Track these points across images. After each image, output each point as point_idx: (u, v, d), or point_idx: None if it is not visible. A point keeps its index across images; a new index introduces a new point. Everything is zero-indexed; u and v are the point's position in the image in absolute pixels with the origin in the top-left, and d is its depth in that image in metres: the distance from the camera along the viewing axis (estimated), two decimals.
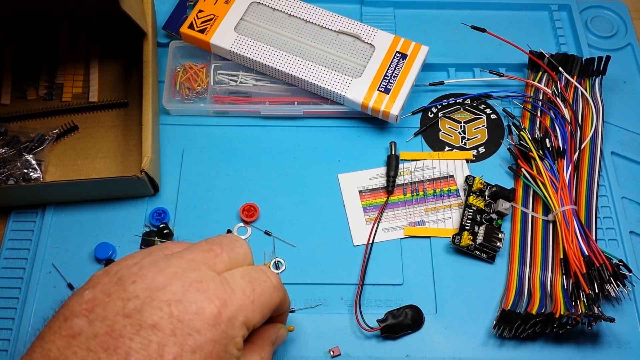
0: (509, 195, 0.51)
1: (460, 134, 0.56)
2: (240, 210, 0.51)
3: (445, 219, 0.51)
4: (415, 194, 0.53)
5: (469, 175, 0.52)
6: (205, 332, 0.30)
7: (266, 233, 0.50)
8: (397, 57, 0.55)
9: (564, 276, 0.47)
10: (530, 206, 0.51)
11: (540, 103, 0.55)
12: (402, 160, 0.54)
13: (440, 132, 0.56)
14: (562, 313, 0.44)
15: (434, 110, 0.57)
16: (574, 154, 0.52)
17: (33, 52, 0.59)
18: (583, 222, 0.49)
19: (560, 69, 0.56)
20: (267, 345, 0.37)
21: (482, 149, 0.55)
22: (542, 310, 0.45)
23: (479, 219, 0.50)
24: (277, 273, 0.49)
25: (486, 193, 0.51)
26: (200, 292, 0.31)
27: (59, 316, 0.30)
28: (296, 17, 0.57)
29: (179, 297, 0.30)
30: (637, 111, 0.58)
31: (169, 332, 0.29)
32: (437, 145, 0.55)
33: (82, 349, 0.28)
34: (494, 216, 0.50)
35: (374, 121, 0.56)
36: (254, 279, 0.34)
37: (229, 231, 0.50)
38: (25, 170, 0.51)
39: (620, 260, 0.47)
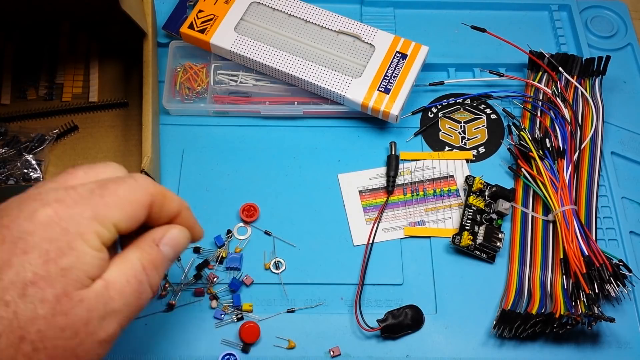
0: (509, 195, 0.51)
1: (460, 134, 0.56)
2: (240, 210, 0.51)
3: (445, 219, 0.51)
4: (415, 194, 0.53)
5: (469, 175, 0.52)
6: (38, 232, 0.28)
7: (266, 233, 0.50)
8: (397, 57, 0.55)
9: (564, 276, 0.47)
10: (530, 206, 0.51)
11: (540, 103, 0.55)
12: (402, 160, 0.54)
13: (440, 132, 0.56)
14: (562, 313, 0.44)
15: (434, 110, 0.57)
16: (574, 154, 0.52)
17: (33, 52, 0.59)
18: (583, 222, 0.49)
19: (560, 69, 0.56)
20: (145, 245, 0.33)
21: (482, 149, 0.55)
22: (542, 310, 0.45)
23: (479, 219, 0.50)
24: (277, 273, 0.49)
25: (486, 193, 0.51)
26: (35, 200, 0.30)
27: None
28: (296, 17, 0.57)
29: (13, 208, 0.30)
30: (637, 111, 0.58)
31: None
32: (437, 145, 0.55)
33: None
34: (494, 216, 0.50)
35: (374, 121, 0.56)
36: (109, 180, 0.32)
37: (229, 231, 0.50)
38: (25, 170, 0.51)
39: (620, 260, 0.47)
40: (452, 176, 0.53)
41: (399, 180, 0.53)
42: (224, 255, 0.49)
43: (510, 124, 0.55)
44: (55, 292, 0.28)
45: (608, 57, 0.56)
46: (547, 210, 0.51)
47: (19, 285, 0.27)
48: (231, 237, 0.50)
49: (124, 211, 0.31)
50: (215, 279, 0.48)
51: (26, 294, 0.27)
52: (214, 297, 0.47)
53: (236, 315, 0.46)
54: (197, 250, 0.49)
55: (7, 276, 0.27)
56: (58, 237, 0.29)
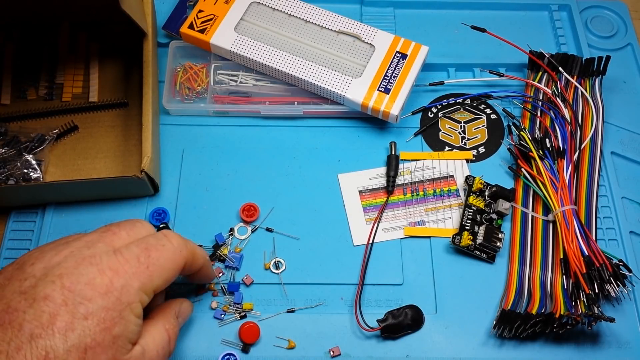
0: (509, 195, 0.51)
1: (460, 134, 0.56)
2: (240, 210, 0.51)
3: (445, 219, 0.51)
4: (415, 194, 0.53)
5: (469, 175, 0.52)
6: (97, 300, 0.31)
7: (268, 230, 0.50)
8: (397, 57, 0.55)
9: (564, 276, 0.47)
10: (530, 206, 0.51)
11: (540, 103, 0.55)
12: (402, 160, 0.54)
13: (440, 132, 0.56)
14: (562, 313, 0.44)
15: (434, 110, 0.57)
16: (574, 154, 0.52)
17: (33, 52, 0.59)
18: (583, 222, 0.49)
19: (560, 69, 0.56)
20: (170, 317, 0.38)
21: (482, 149, 0.55)
22: (542, 310, 0.45)
23: (479, 219, 0.50)
24: (277, 273, 0.49)
25: (486, 193, 0.51)
26: (92, 265, 0.33)
27: None
28: (296, 17, 0.57)
29: (70, 270, 0.32)
30: (637, 111, 0.58)
31: (61, 302, 0.31)
32: (437, 145, 0.55)
33: None
34: (494, 216, 0.50)
35: (374, 121, 0.56)
36: (150, 245, 0.35)
37: (230, 230, 0.50)
38: (25, 170, 0.51)
39: (620, 260, 0.47)
40: (452, 176, 0.53)
41: (399, 180, 0.53)
42: (224, 252, 0.49)
43: (510, 124, 0.55)
44: (107, 357, 0.31)
45: (608, 57, 0.56)
46: (547, 210, 0.51)
47: (81, 349, 0.30)
48: (232, 234, 0.50)
49: (164, 278, 0.35)
50: (220, 274, 0.48)
51: (84, 357, 0.30)
52: (223, 290, 0.47)
53: (239, 314, 0.46)
54: None
55: (70, 339, 0.30)
56: (112, 307, 0.32)
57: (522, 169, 0.52)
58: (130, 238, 0.36)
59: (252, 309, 0.47)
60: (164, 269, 0.35)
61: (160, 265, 0.35)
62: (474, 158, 0.55)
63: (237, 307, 0.47)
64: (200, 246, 0.47)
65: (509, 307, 0.46)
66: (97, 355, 0.31)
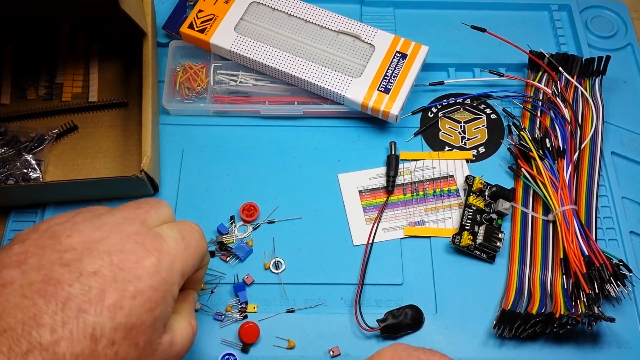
0: (509, 195, 0.51)
1: (460, 134, 0.56)
2: (240, 210, 0.51)
3: (445, 218, 0.51)
4: (415, 194, 0.53)
5: (469, 175, 0.52)
6: (146, 279, 0.31)
7: (270, 222, 0.50)
8: (397, 57, 0.55)
9: (564, 276, 0.47)
10: (530, 206, 0.51)
11: (540, 103, 0.55)
12: (402, 160, 0.54)
13: (440, 132, 0.56)
14: (562, 313, 0.44)
15: (434, 110, 0.57)
16: (574, 154, 0.52)
17: (33, 52, 0.59)
18: (583, 222, 0.49)
19: (560, 69, 0.56)
20: (192, 310, 0.39)
21: (482, 149, 0.55)
22: (542, 310, 0.45)
23: (479, 218, 0.50)
24: (277, 273, 0.49)
25: (486, 193, 0.51)
26: (138, 244, 0.32)
27: None
28: (296, 17, 0.57)
29: (119, 247, 0.31)
30: (637, 111, 0.58)
31: (110, 279, 0.30)
32: (437, 145, 0.55)
33: (15, 296, 0.28)
34: (494, 216, 0.50)
35: (374, 121, 0.56)
36: (181, 229, 0.36)
37: (232, 217, 0.51)
38: (25, 170, 0.51)
39: (620, 260, 0.47)
40: (452, 176, 0.53)
41: (399, 180, 0.53)
42: (228, 242, 0.49)
43: (510, 124, 0.55)
44: (145, 339, 0.31)
45: (608, 57, 0.56)
46: (547, 210, 0.50)
47: (127, 328, 0.29)
48: (233, 222, 0.50)
49: (195, 262, 0.36)
50: (227, 259, 0.49)
51: (128, 337, 0.29)
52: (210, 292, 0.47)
53: (240, 313, 0.46)
54: None
55: (119, 317, 0.29)
56: (159, 287, 0.31)
57: (522, 169, 0.52)
58: (159, 219, 0.36)
59: (256, 312, 0.47)
60: (196, 253, 0.36)
61: (193, 249, 0.35)
62: (474, 158, 0.55)
63: (242, 307, 0.47)
64: None
65: (509, 307, 0.46)
66: (138, 335, 0.30)
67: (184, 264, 0.34)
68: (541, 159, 0.51)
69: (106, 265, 0.30)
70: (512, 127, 0.54)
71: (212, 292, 0.47)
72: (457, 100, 0.58)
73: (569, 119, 0.53)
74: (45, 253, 0.30)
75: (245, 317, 0.46)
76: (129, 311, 0.30)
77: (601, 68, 0.56)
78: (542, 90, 0.56)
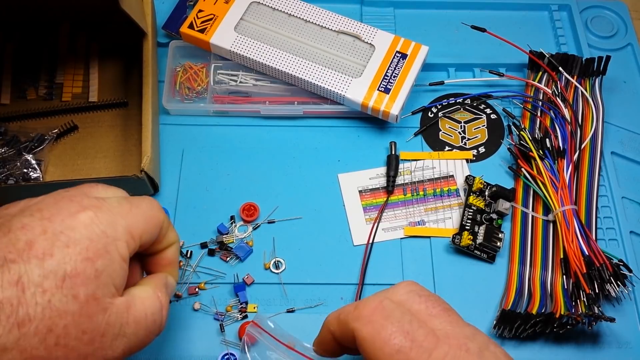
0: (509, 195, 0.51)
1: (460, 134, 0.56)
2: (240, 210, 0.51)
3: (445, 218, 0.51)
4: (415, 193, 0.53)
5: (469, 175, 0.52)
6: (81, 230, 0.29)
7: (270, 222, 0.50)
8: (397, 57, 0.55)
9: (564, 276, 0.47)
10: (530, 206, 0.51)
11: (540, 103, 0.55)
12: (402, 160, 0.54)
13: (440, 132, 0.56)
14: (562, 313, 0.44)
15: (434, 110, 0.57)
16: (574, 154, 0.52)
17: (33, 52, 0.59)
18: (583, 222, 0.49)
19: (560, 69, 0.56)
20: (161, 285, 0.36)
21: (482, 149, 0.55)
22: (542, 310, 0.45)
23: (479, 218, 0.50)
24: (277, 273, 0.49)
25: (486, 193, 0.51)
26: (72, 202, 0.31)
27: None
28: (296, 17, 0.57)
29: (50, 205, 0.30)
30: (637, 111, 0.58)
31: (39, 231, 0.29)
32: (437, 145, 0.55)
33: None
34: (494, 216, 0.50)
35: (374, 121, 0.56)
36: (127, 196, 0.35)
37: (232, 217, 0.51)
38: (25, 170, 0.51)
39: (621, 260, 0.47)
40: (452, 176, 0.53)
41: (399, 180, 0.53)
42: (228, 242, 0.49)
43: (510, 124, 0.55)
44: (87, 292, 0.29)
45: (608, 57, 0.56)
46: (547, 210, 0.50)
47: (59, 276, 0.28)
48: (233, 222, 0.50)
49: (148, 225, 0.34)
50: (227, 259, 0.49)
51: (63, 286, 0.28)
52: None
53: (240, 313, 0.46)
54: (204, 245, 0.49)
55: (48, 265, 0.28)
56: (97, 239, 0.30)
57: (522, 169, 0.52)
58: (107, 193, 0.35)
59: (256, 312, 0.47)
60: (147, 217, 0.34)
61: (142, 211, 0.34)
62: (474, 158, 0.55)
63: (242, 307, 0.47)
64: None
65: (509, 307, 0.46)
66: (76, 285, 0.28)
67: (131, 223, 0.32)
68: (541, 159, 0.51)
69: (36, 220, 0.29)
70: (512, 127, 0.54)
71: (186, 255, 0.48)
72: (457, 100, 0.58)
73: (569, 119, 0.53)
74: None
75: (245, 317, 0.46)
76: (60, 259, 0.28)
77: (601, 68, 0.56)
78: (542, 90, 0.56)
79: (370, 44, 0.55)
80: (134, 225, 0.32)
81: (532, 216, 0.50)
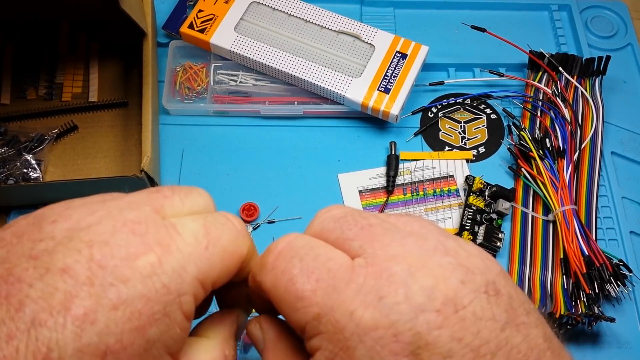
0: (509, 195, 0.51)
1: (460, 134, 0.56)
2: (240, 210, 0.51)
3: (445, 218, 0.51)
4: (415, 194, 0.53)
5: (469, 175, 0.52)
6: (136, 284, 0.22)
7: (270, 222, 0.50)
8: (397, 57, 0.55)
9: (564, 276, 0.47)
10: (530, 206, 0.51)
11: (540, 103, 0.55)
12: (402, 160, 0.54)
13: (440, 132, 0.56)
14: (562, 313, 0.44)
15: (434, 110, 0.57)
16: (574, 154, 0.52)
17: (33, 52, 0.59)
18: (583, 222, 0.49)
19: (560, 69, 0.56)
20: (230, 337, 0.28)
21: (482, 149, 0.55)
22: (542, 310, 0.45)
23: (479, 218, 0.50)
24: None
25: (486, 193, 0.51)
26: (135, 235, 0.23)
27: None
28: (296, 17, 0.57)
29: (105, 238, 0.23)
30: (637, 111, 0.58)
31: (84, 280, 0.21)
32: (437, 145, 0.55)
33: None
34: (494, 216, 0.50)
35: (374, 121, 0.56)
36: (209, 221, 0.26)
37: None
38: (25, 170, 0.51)
39: (621, 260, 0.47)
40: (452, 176, 0.53)
41: (399, 180, 0.53)
42: None
43: (510, 124, 0.55)
44: None
45: (608, 57, 0.56)
46: (547, 210, 0.50)
47: (98, 352, 0.21)
48: None
49: (225, 266, 0.25)
50: None
51: None
52: None
53: None
54: None
55: (87, 335, 0.21)
56: (155, 297, 0.22)
57: (522, 169, 0.52)
58: (184, 208, 0.26)
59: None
60: (226, 254, 0.25)
61: (222, 248, 0.25)
62: (474, 158, 0.55)
63: None
64: None
65: None
66: None
67: (204, 267, 0.24)
68: (541, 159, 0.51)
69: (82, 261, 0.21)
70: (512, 127, 0.54)
71: None
72: (457, 100, 0.58)
73: (569, 119, 0.53)
74: (20, 242, 0.23)
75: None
76: (104, 328, 0.21)
77: (601, 68, 0.56)
78: (542, 90, 0.56)
79: (370, 44, 0.55)
80: (207, 271, 0.24)
81: (532, 216, 0.50)
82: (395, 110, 0.53)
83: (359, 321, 0.21)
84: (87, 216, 0.24)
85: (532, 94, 0.57)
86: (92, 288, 0.21)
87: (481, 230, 0.49)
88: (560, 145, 0.52)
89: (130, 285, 0.22)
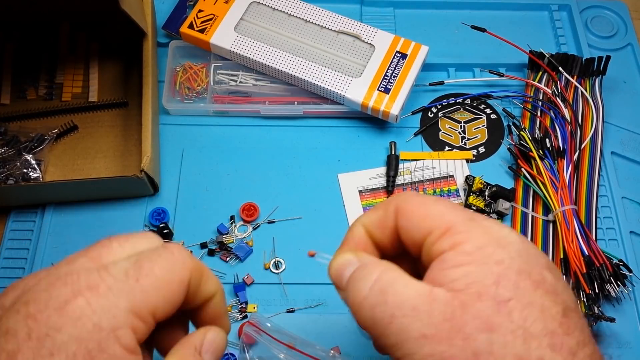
0: (509, 195, 0.51)
1: (460, 134, 0.56)
2: (240, 210, 0.51)
3: None
4: None
5: (469, 175, 0.52)
6: (68, 329, 0.24)
7: (270, 222, 0.50)
8: (397, 57, 0.55)
9: (564, 276, 0.47)
10: (530, 206, 0.51)
11: (540, 103, 0.55)
12: (402, 160, 0.54)
13: (440, 132, 0.56)
14: None
15: (434, 110, 0.57)
16: (574, 154, 0.52)
17: (33, 52, 0.59)
18: (583, 222, 0.49)
19: (560, 69, 0.56)
20: (187, 354, 0.28)
21: (482, 149, 0.55)
22: None
23: None
24: (277, 273, 0.49)
25: (486, 193, 0.51)
26: (66, 285, 0.25)
27: None
28: (296, 17, 0.57)
29: (39, 295, 0.25)
30: (637, 111, 0.58)
31: (24, 336, 0.24)
32: (437, 145, 0.55)
33: None
34: (494, 216, 0.50)
35: (374, 121, 0.56)
36: (143, 256, 0.27)
37: (232, 217, 0.51)
38: (25, 170, 0.51)
39: (620, 260, 0.47)
40: (452, 176, 0.53)
41: (399, 180, 0.53)
42: (228, 242, 0.49)
43: (510, 124, 0.55)
44: None
45: (608, 57, 0.56)
46: (547, 210, 0.50)
47: None
48: (233, 222, 0.50)
49: (162, 295, 0.27)
50: (227, 259, 0.49)
51: None
52: None
53: (240, 313, 0.46)
54: (204, 245, 0.49)
55: None
56: (88, 337, 0.24)
57: (522, 169, 0.52)
58: (123, 252, 0.28)
59: (256, 311, 0.47)
60: (161, 282, 0.26)
61: (156, 277, 0.26)
62: (474, 158, 0.55)
63: (242, 307, 0.47)
64: None
65: None
66: None
67: (137, 300, 0.25)
68: (541, 159, 0.51)
69: (21, 320, 0.24)
70: (512, 127, 0.54)
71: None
72: (457, 100, 0.58)
73: (569, 119, 0.53)
74: None
75: (245, 317, 0.46)
76: None
77: (601, 68, 0.56)
78: (542, 90, 0.56)
79: (370, 44, 0.55)
80: (140, 303, 0.26)
81: (532, 216, 0.50)
82: (395, 110, 0.53)
83: None
84: (30, 280, 0.26)
85: (532, 94, 0.57)
86: (31, 342, 0.24)
87: None
88: (560, 145, 0.52)
89: (64, 331, 0.24)
